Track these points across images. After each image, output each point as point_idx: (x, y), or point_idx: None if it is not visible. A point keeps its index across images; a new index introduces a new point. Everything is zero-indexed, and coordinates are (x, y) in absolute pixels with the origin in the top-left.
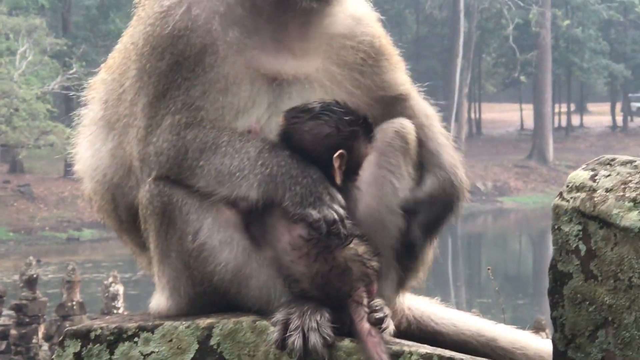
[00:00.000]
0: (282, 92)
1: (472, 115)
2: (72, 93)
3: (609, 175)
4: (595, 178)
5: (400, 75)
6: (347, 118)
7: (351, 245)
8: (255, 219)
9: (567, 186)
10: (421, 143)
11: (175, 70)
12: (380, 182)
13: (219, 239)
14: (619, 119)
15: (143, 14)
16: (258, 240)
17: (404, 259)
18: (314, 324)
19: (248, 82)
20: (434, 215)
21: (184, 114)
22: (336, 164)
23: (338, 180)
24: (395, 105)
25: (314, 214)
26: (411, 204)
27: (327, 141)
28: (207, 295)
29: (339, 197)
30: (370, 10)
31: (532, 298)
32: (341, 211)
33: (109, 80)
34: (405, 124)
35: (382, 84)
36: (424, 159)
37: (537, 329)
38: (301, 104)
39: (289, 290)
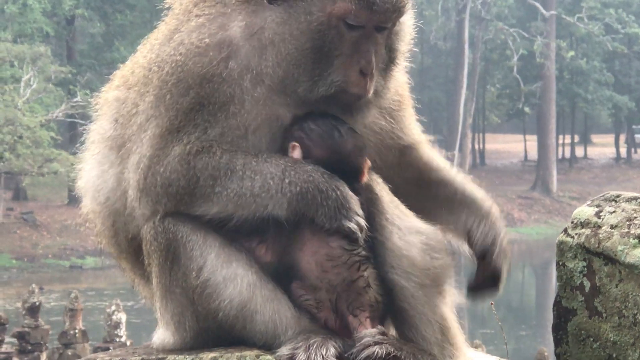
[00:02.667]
0: None
1: (476, 146)
2: (76, 120)
3: (614, 211)
4: (601, 214)
5: (414, 124)
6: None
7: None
8: (269, 237)
9: (572, 222)
10: (443, 183)
11: (197, 110)
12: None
13: (223, 275)
14: (623, 150)
15: (177, 36)
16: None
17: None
18: (320, 359)
19: (267, 132)
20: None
21: (196, 145)
22: (366, 168)
23: (365, 179)
24: (405, 153)
25: (351, 225)
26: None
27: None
28: (212, 331)
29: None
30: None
31: (535, 329)
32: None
33: (122, 98)
34: None
35: (398, 132)
36: (453, 196)
37: None
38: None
39: (301, 301)
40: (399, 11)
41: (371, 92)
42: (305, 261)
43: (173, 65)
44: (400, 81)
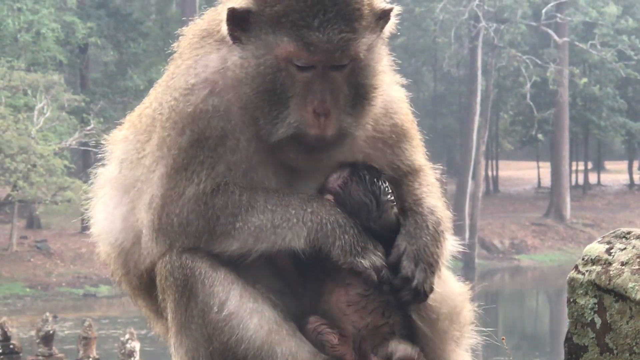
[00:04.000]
0: (305, 176)
1: (489, 173)
2: (90, 149)
3: (624, 248)
4: (611, 251)
5: (418, 156)
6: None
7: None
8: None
9: (583, 259)
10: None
11: (196, 147)
12: None
13: (250, 307)
14: (637, 177)
15: (171, 82)
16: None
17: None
18: None
19: (272, 168)
20: (422, 245)
21: (209, 183)
22: None
23: None
24: (407, 176)
25: (364, 262)
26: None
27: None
28: None
29: (381, 247)
30: (401, 93)
31: (549, 356)
32: (383, 260)
33: (131, 140)
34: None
35: (400, 162)
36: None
37: None
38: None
39: (317, 334)
40: (343, 50)
41: (331, 132)
42: (329, 306)
43: (168, 109)
44: (400, 111)
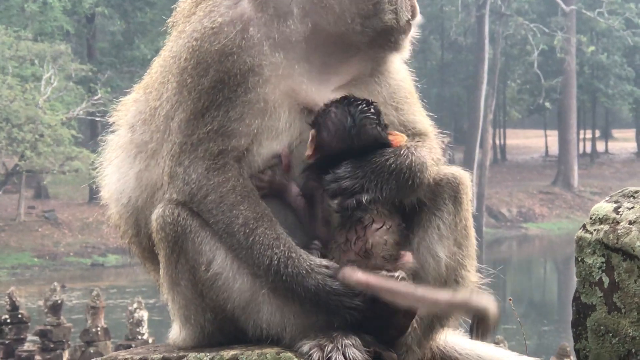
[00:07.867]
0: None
1: (497, 142)
2: (97, 118)
3: (632, 207)
4: (619, 210)
5: (423, 121)
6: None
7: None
8: None
9: (591, 218)
10: None
11: (218, 88)
12: (426, 226)
13: (236, 268)
14: None
15: (188, 28)
16: None
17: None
18: (349, 342)
19: (286, 108)
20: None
21: (218, 142)
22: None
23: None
24: (413, 138)
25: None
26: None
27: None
28: (217, 323)
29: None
30: (404, 64)
31: (557, 324)
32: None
33: (142, 100)
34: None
35: (404, 123)
36: None
37: (562, 355)
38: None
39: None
40: None
41: None
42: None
43: (190, 51)
44: (403, 75)
